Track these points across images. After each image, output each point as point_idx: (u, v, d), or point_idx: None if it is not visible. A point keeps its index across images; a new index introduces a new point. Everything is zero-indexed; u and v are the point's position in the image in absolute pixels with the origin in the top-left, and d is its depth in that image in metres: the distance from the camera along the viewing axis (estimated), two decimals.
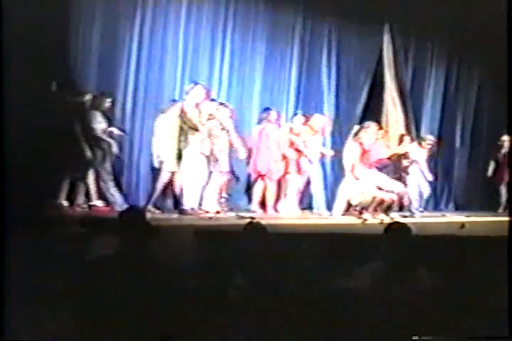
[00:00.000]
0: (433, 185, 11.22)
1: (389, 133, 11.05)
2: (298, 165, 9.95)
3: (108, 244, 4.95)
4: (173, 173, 8.91)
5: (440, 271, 5.11)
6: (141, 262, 4.56)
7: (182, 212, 8.74)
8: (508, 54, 6.00)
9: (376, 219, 9.35)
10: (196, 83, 9.18)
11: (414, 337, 4.74)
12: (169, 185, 8.97)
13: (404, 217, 9.84)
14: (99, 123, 8.54)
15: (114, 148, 8.66)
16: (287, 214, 9.72)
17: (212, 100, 9.30)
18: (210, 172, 8.97)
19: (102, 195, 8.62)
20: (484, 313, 4.91)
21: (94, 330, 4.42)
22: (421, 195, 10.84)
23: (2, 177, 5.67)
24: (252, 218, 8.05)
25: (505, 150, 11.28)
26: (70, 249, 5.26)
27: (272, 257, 5.08)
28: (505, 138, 11.26)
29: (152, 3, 9.42)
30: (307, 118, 10.10)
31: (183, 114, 8.91)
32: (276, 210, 9.82)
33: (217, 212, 8.95)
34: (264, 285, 4.81)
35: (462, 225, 9.82)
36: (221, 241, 5.53)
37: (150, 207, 8.86)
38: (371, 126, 10.18)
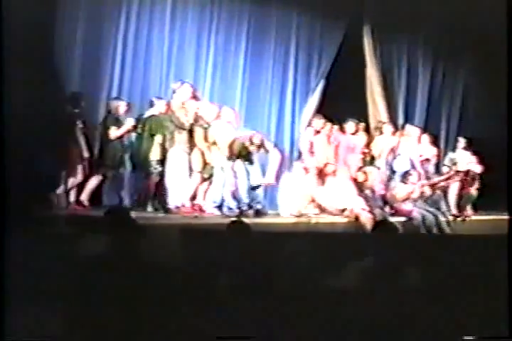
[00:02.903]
0: None
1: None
2: None
3: (100, 243, 4.96)
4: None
5: (440, 270, 5.12)
6: (132, 262, 4.57)
7: (167, 210, 8.74)
8: (508, 54, 5.99)
9: None
10: (183, 82, 9.18)
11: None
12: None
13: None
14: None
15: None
16: None
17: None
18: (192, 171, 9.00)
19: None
20: (484, 313, 4.91)
21: (89, 330, 4.44)
22: None
23: (2, 177, 5.66)
24: (238, 217, 8.10)
25: None
26: (60, 248, 5.25)
27: (256, 256, 5.09)
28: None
29: (137, 2, 9.43)
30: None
31: (170, 113, 8.90)
32: None
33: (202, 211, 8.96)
34: (248, 284, 4.81)
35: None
36: (205, 240, 5.54)
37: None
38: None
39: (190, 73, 9.90)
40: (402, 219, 9.70)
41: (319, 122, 10.36)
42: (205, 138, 9.14)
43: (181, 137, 8.89)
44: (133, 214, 5.99)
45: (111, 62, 9.31)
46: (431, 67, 12.11)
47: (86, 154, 8.58)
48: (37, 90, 6.90)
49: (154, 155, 8.85)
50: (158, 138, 8.86)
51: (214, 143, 9.18)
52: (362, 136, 10.74)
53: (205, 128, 9.17)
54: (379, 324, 4.65)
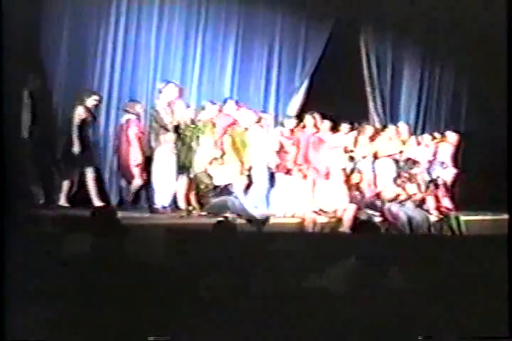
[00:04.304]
0: None
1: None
2: None
3: (90, 243, 4.98)
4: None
5: (440, 270, 5.12)
6: (128, 262, 4.60)
7: (153, 211, 8.75)
8: (508, 54, 6.00)
9: None
10: (169, 81, 9.17)
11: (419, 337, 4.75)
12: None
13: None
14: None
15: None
16: None
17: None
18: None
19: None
20: (484, 313, 4.91)
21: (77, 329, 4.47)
22: None
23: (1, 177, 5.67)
24: (225, 217, 8.09)
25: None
26: (59, 249, 5.26)
27: (242, 255, 5.10)
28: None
29: (126, 2, 9.42)
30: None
31: (155, 113, 8.90)
32: None
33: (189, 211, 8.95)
34: (235, 284, 4.82)
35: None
36: (192, 240, 5.55)
37: None
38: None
39: (178, 73, 9.87)
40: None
41: (291, 122, 10.29)
42: (233, 144, 9.32)
43: (167, 137, 8.88)
44: (120, 214, 6.00)
45: (100, 62, 9.30)
46: (428, 68, 12.09)
47: (140, 158, 8.78)
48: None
49: None
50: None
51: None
52: (346, 136, 10.58)
53: (238, 134, 9.37)
54: (378, 324, 4.64)
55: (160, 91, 9.04)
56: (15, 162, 5.94)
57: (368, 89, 11.57)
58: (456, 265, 5.18)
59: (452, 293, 4.93)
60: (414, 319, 4.77)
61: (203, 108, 9.40)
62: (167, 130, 8.83)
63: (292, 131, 10.11)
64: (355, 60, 11.49)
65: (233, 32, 10.40)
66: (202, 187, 9.02)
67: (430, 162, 10.75)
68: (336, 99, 10.62)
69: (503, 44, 6.10)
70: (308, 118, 10.12)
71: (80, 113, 8.41)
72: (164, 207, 8.79)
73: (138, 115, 8.86)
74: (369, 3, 10.69)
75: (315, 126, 10.11)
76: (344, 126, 10.37)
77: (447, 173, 10.82)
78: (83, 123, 8.45)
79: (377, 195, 10.00)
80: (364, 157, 10.38)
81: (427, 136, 11.07)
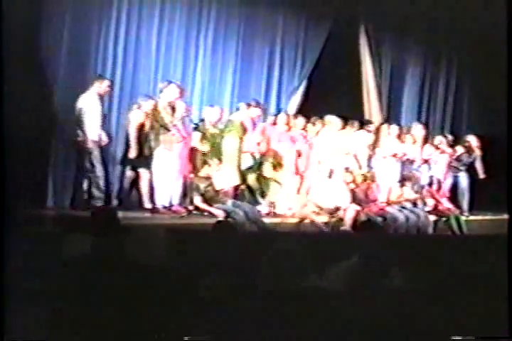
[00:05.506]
0: None
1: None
2: None
3: (90, 243, 4.97)
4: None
5: (439, 270, 5.11)
6: (129, 262, 4.59)
7: (154, 210, 8.74)
8: (508, 54, 6.00)
9: None
10: (170, 82, 9.18)
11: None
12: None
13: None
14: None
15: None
16: None
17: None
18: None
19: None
20: (484, 313, 4.90)
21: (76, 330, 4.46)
22: None
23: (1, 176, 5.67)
24: (226, 217, 8.10)
25: None
26: (59, 249, 5.26)
27: (242, 255, 5.10)
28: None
29: (127, 3, 9.44)
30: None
31: (155, 113, 8.92)
32: None
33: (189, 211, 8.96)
34: (235, 284, 4.81)
35: None
36: (192, 240, 5.55)
37: None
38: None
39: (179, 73, 9.91)
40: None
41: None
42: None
43: (167, 137, 8.90)
44: (120, 214, 6.01)
45: (101, 62, 9.31)
46: (428, 68, 12.10)
47: None
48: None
49: None
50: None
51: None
52: (353, 136, 10.56)
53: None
54: (378, 324, 4.63)
55: (161, 91, 9.07)
56: (15, 162, 5.95)
57: (368, 89, 11.59)
58: (456, 265, 5.17)
59: (452, 293, 4.91)
60: (414, 319, 4.76)
61: (237, 109, 9.56)
62: (167, 129, 8.86)
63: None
64: (355, 60, 11.52)
65: (234, 33, 10.42)
66: (208, 188, 9.03)
67: (433, 163, 10.76)
68: (334, 99, 10.66)
69: (503, 44, 6.10)
70: (280, 116, 10.11)
71: (138, 117, 8.56)
72: (165, 207, 8.80)
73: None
74: (369, 3, 10.71)
75: (287, 124, 10.08)
76: (337, 124, 10.38)
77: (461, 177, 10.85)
78: (141, 127, 8.73)
79: (382, 195, 10.03)
80: (385, 157, 10.39)
81: (438, 138, 11.10)
